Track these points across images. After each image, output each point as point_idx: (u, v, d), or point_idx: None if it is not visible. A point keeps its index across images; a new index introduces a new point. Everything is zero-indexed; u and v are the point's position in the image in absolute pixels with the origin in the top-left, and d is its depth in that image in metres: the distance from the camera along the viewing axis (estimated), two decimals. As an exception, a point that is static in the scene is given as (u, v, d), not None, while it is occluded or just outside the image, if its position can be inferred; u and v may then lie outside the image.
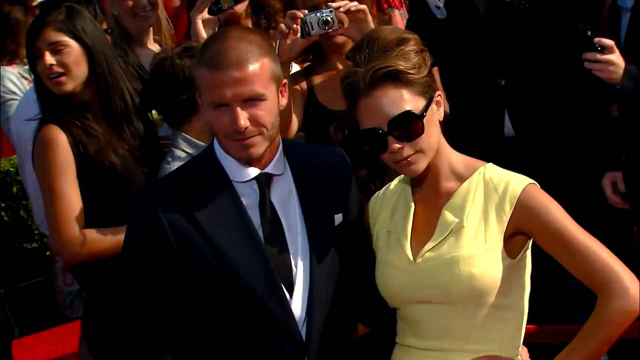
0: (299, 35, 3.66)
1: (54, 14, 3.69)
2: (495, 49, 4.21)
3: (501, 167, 2.86)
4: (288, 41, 3.65)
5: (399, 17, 5.02)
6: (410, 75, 2.73)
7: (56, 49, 3.66)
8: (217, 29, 4.22)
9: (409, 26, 4.48)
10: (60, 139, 3.58)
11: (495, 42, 4.20)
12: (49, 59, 3.65)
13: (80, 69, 3.70)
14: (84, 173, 3.61)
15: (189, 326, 2.84)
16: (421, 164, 2.77)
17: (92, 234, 3.59)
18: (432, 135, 2.77)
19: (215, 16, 4.25)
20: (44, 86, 3.70)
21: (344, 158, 3.03)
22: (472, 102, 4.33)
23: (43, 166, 3.62)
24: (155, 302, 2.80)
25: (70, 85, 3.68)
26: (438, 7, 4.23)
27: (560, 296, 4.40)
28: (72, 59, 3.67)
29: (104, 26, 4.68)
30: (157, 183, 3.09)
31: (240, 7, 4.32)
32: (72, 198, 3.57)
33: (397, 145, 2.72)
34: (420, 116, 2.73)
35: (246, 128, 2.72)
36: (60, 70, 3.66)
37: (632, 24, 3.94)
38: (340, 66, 3.83)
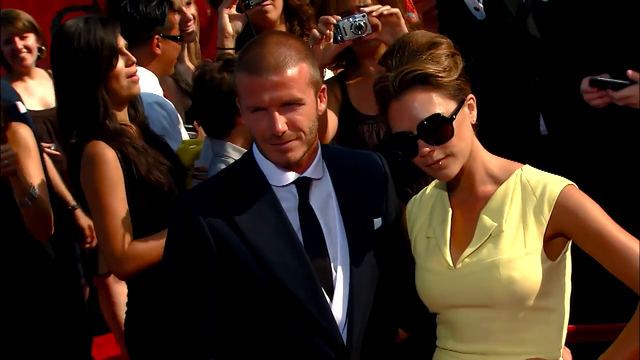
0: (332, 40, 3.68)
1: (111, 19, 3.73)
2: (528, 48, 4.22)
3: (538, 166, 2.85)
4: (321, 47, 3.66)
5: (416, 20, 5.02)
6: (440, 79, 2.72)
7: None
8: (244, 26, 4.26)
9: (442, 30, 4.48)
10: (109, 155, 3.56)
11: (528, 41, 4.21)
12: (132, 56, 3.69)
13: None
14: (133, 191, 3.60)
15: (231, 330, 2.85)
16: (453, 168, 2.76)
17: (140, 246, 3.57)
18: (464, 138, 2.76)
19: (242, 13, 4.27)
20: (88, 99, 3.65)
21: (381, 162, 3.04)
22: (507, 102, 4.34)
23: (92, 182, 3.58)
24: (197, 306, 2.81)
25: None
26: (477, 9, 4.25)
27: (600, 294, 4.36)
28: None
29: None
30: (197, 188, 3.10)
31: (274, 14, 4.34)
32: (122, 214, 3.56)
33: (427, 149, 2.72)
34: (450, 119, 2.72)
35: (284, 132, 2.74)
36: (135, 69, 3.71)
37: None
38: (373, 70, 3.80)
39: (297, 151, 2.79)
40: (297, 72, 2.75)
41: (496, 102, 4.37)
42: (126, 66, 3.68)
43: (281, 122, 2.73)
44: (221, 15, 4.30)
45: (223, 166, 3.70)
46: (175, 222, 2.88)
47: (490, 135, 4.14)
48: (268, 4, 4.36)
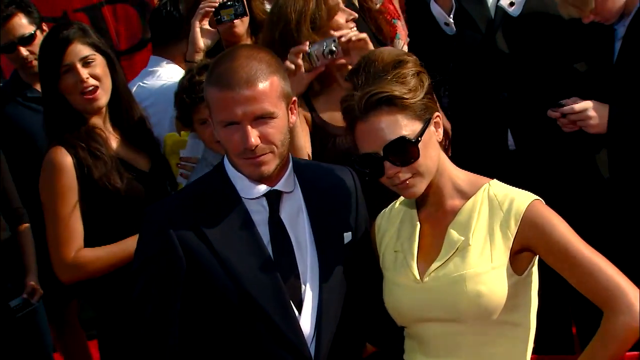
0: (302, 70, 3.67)
1: (72, 31, 3.69)
2: (497, 64, 4.24)
3: (506, 180, 2.87)
4: (294, 76, 3.63)
5: (402, 28, 5.04)
6: (406, 100, 2.73)
7: (87, 62, 3.66)
8: (215, 41, 4.27)
9: (412, 44, 4.50)
10: (66, 162, 3.58)
11: (497, 56, 4.24)
12: (83, 72, 3.65)
13: (108, 81, 3.72)
14: (86, 195, 3.61)
15: (199, 343, 2.84)
16: (420, 187, 2.78)
17: (87, 255, 3.61)
18: (430, 157, 2.77)
19: (214, 28, 4.28)
20: (57, 106, 3.68)
21: (352, 177, 3.04)
22: (476, 116, 4.36)
23: (46, 188, 3.63)
24: (164, 319, 2.81)
25: (104, 99, 3.70)
26: (447, 24, 4.26)
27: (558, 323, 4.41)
28: (102, 71, 3.69)
29: None
30: (168, 200, 3.10)
31: (242, 28, 4.35)
32: (70, 222, 3.59)
33: (393, 171, 2.74)
34: (416, 142, 2.73)
35: (257, 146, 2.74)
36: (95, 83, 3.66)
37: (622, 52, 3.97)
38: (341, 81, 3.81)
39: (270, 164, 2.79)
40: (268, 85, 2.75)
41: (465, 117, 4.43)
42: (79, 82, 3.66)
43: (254, 136, 2.74)
44: (193, 29, 4.30)
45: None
46: (145, 234, 2.88)
47: (460, 149, 4.22)
48: (240, 29, 4.38)
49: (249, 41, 4.39)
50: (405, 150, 2.73)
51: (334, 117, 3.76)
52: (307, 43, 3.66)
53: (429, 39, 4.29)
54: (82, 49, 3.67)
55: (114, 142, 3.76)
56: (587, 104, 3.87)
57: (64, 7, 6.02)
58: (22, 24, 4.91)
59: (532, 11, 4.20)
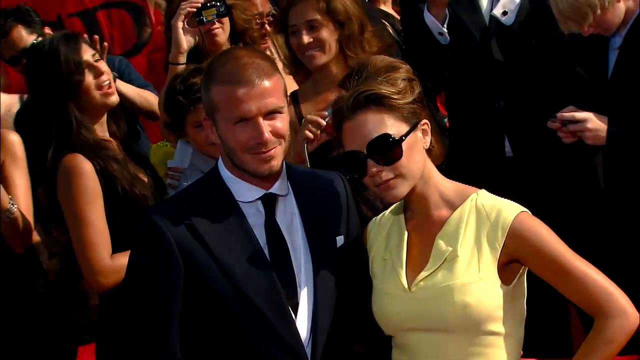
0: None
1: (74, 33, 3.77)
2: (493, 72, 4.26)
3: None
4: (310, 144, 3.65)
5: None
6: (393, 100, 2.75)
7: (97, 59, 3.73)
8: (196, 41, 4.30)
9: (406, 54, 4.51)
10: (88, 168, 3.54)
11: (492, 65, 4.25)
12: (102, 66, 3.71)
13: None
14: (113, 206, 3.57)
15: (197, 345, 2.83)
16: (401, 189, 2.78)
17: (122, 260, 3.45)
18: (414, 161, 2.77)
19: (196, 28, 4.28)
20: (59, 113, 3.63)
21: (343, 182, 3.05)
22: (473, 125, 4.38)
23: (70, 194, 3.55)
24: (164, 322, 2.78)
25: (116, 95, 3.75)
26: (441, 34, 4.26)
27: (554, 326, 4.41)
28: (109, 69, 3.78)
29: None
30: (163, 203, 3.10)
31: (223, 37, 4.37)
32: (103, 226, 3.54)
33: (375, 169, 2.74)
34: (399, 140, 2.73)
35: (268, 140, 2.77)
36: (109, 77, 3.72)
37: (619, 62, 3.99)
38: (331, 88, 3.79)
39: (278, 159, 2.83)
40: (275, 81, 2.81)
41: (462, 125, 4.44)
42: (95, 78, 3.67)
43: (267, 130, 2.77)
44: (175, 29, 4.30)
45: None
46: (142, 237, 2.86)
47: (457, 156, 4.22)
48: (217, 28, 4.37)
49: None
50: (388, 149, 2.74)
51: None
52: (326, 114, 3.62)
53: (423, 48, 4.29)
54: (87, 48, 3.70)
55: (119, 153, 3.72)
56: (588, 115, 3.87)
57: (58, 11, 6.01)
58: (23, 36, 4.92)
59: (526, 19, 4.22)
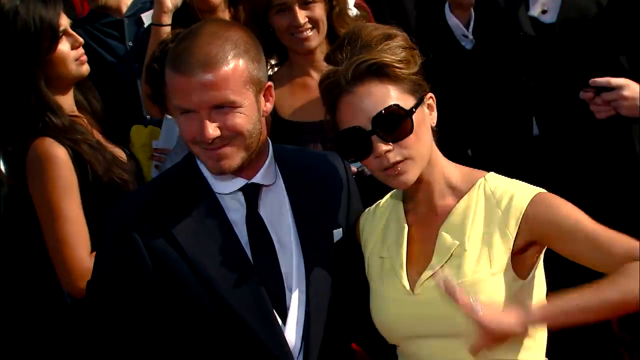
0: None
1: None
2: (520, 47, 4.00)
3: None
4: None
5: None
6: (398, 70, 2.47)
7: None
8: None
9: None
10: (59, 153, 3.18)
11: (520, 39, 4.00)
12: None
13: None
14: (88, 193, 3.22)
15: (173, 356, 2.55)
16: (411, 174, 2.48)
17: None
18: (424, 140, 2.50)
19: None
20: (23, 93, 3.25)
21: (343, 162, 2.75)
22: (500, 103, 4.12)
23: (42, 185, 3.18)
24: (129, 330, 2.52)
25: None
26: (466, 37, 4.02)
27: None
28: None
29: None
30: (132, 197, 2.78)
31: None
32: (80, 222, 3.19)
33: (384, 147, 2.43)
34: (410, 112, 2.45)
35: (215, 138, 2.43)
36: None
37: None
38: (310, 73, 3.51)
39: (233, 159, 2.48)
40: (230, 70, 2.43)
41: (489, 104, 4.20)
42: (72, 48, 3.32)
43: (212, 128, 2.43)
44: None
45: None
46: (107, 238, 2.58)
47: (483, 136, 4.01)
48: None
49: (225, 14, 4.04)
50: (397, 123, 2.44)
51: (297, 113, 3.51)
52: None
53: (442, 52, 3.99)
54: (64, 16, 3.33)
55: (92, 132, 3.38)
56: (625, 81, 3.57)
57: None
58: None
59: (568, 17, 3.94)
